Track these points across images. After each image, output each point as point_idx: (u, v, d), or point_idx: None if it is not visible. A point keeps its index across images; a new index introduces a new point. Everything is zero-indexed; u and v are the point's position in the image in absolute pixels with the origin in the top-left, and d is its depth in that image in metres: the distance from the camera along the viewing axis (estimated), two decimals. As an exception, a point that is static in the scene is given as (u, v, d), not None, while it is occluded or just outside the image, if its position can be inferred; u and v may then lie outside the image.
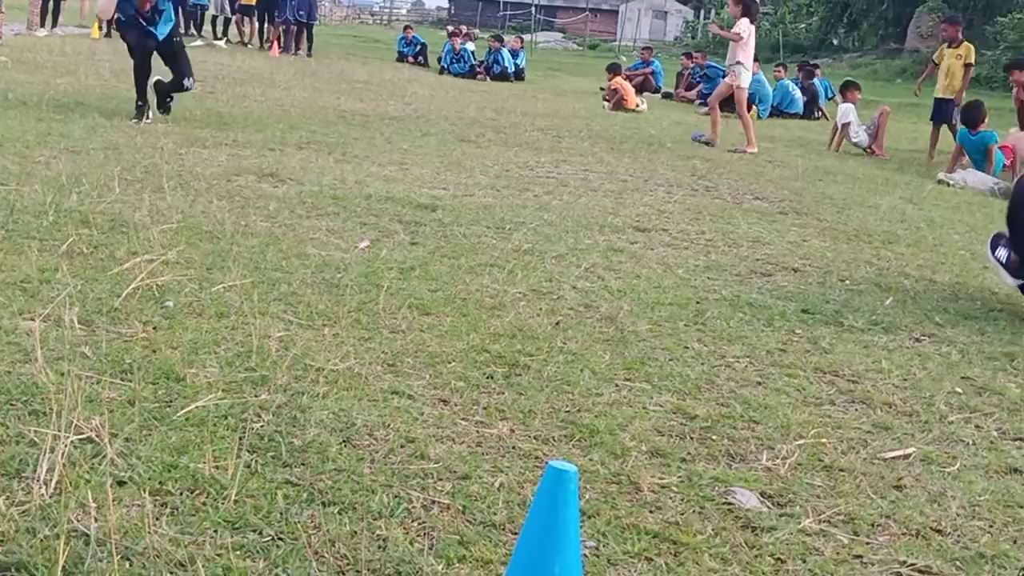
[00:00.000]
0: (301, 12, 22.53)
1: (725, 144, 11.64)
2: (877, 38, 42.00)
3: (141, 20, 8.96)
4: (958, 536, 2.63)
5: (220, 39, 23.83)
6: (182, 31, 9.71)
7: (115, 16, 9.37)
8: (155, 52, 9.21)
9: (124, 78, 12.47)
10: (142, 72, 9.13)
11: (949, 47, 13.83)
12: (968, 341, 4.44)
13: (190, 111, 9.84)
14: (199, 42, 22.18)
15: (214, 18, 24.95)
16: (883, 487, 2.87)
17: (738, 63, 11.59)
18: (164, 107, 9.41)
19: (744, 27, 11.46)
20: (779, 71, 19.96)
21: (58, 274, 4.01)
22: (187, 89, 9.44)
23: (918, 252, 6.33)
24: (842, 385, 3.71)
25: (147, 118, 8.90)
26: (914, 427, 3.37)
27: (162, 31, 9.11)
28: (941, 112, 13.60)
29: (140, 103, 9.05)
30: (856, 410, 3.48)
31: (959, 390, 3.78)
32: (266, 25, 23.92)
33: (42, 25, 20.43)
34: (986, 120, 11.97)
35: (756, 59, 19.28)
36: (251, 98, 11.97)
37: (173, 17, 9.35)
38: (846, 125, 13.49)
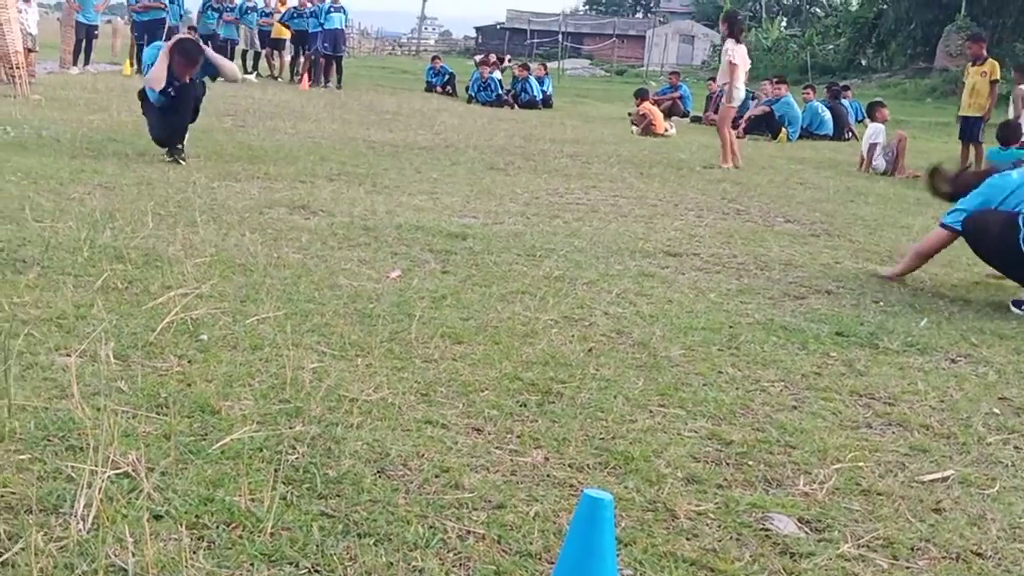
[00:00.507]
0: (326, 44, 22.71)
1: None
2: (905, 58, 41.88)
3: (170, 91, 8.57)
4: (999, 559, 2.60)
5: (251, 73, 24.07)
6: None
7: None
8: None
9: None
10: (176, 131, 8.77)
11: (974, 65, 13.84)
12: (1005, 361, 4.40)
13: (222, 145, 9.93)
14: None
15: (244, 52, 25.23)
16: (922, 510, 2.84)
17: (726, 84, 11.97)
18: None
19: (730, 48, 11.84)
20: (808, 93, 19.91)
21: (93, 309, 4.05)
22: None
23: (952, 272, 6.29)
24: (878, 408, 3.68)
25: (183, 159, 8.66)
26: (952, 449, 3.33)
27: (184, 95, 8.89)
28: (968, 130, 13.58)
29: (179, 145, 8.77)
30: (893, 433, 3.45)
31: (997, 411, 3.74)
32: (300, 58, 24.12)
33: (75, 63, 20.72)
34: (1019, 140, 11.93)
35: (784, 80, 19.40)
36: (282, 131, 12.06)
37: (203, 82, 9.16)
38: (873, 146, 13.46)
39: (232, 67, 9.90)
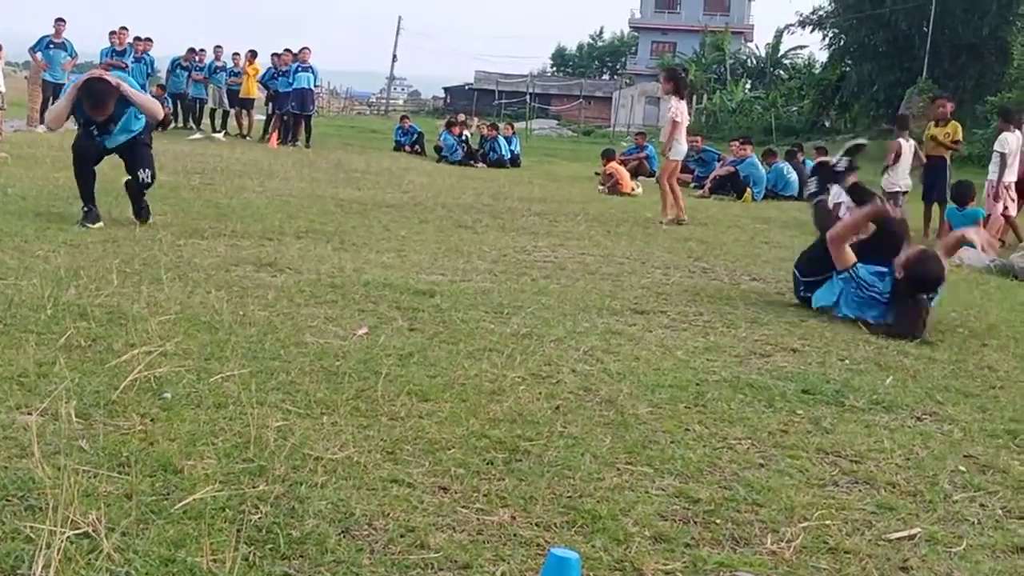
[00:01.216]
0: (294, 104, 22.77)
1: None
2: (869, 119, 42.54)
3: (92, 129, 8.28)
4: (968, 618, 2.59)
5: (219, 132, 24.10)
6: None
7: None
8: (104, 156, 8.54)
9: (123, 171, 12.56)
10: (83, 177, 8.32)
11: (936, 125, 14.12)
12: (970, 419, 4.42)
13: (188, 203, 9.91)
14: (198, 135, 22.45)
15: (212, 111, 25.26)
16: (889, 569, 2.84)
17: (673, 140, 12.52)
18: (141, 214, 8.49)
19: (674, 106, 12.41)
20: (772, 158, 20.09)
21: (56, 367, 4.00)
22: (142, 183, 8.38)
23: (917, 330, 6.32)
24: (845, 466, 3.68)
25: (96, 221, 8.07)
26: (918, 507, 3.34)
27: (115, 140, 8.38)
28: (930, 185, 13.89)
29: (86, 207, 8.18)
30: (860, 491, 3.45)
31: (963, 468, 3.75)
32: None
33: (42, 121, 20.66)
34: (975, 199, 12.17)
35: (749, 141, 19.62)
36: (250, 189, 12.05)
37: (135, 121, 8.39)
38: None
39: (152, 103, 8.67)
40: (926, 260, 6.44)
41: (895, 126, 14.33)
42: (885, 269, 6.53)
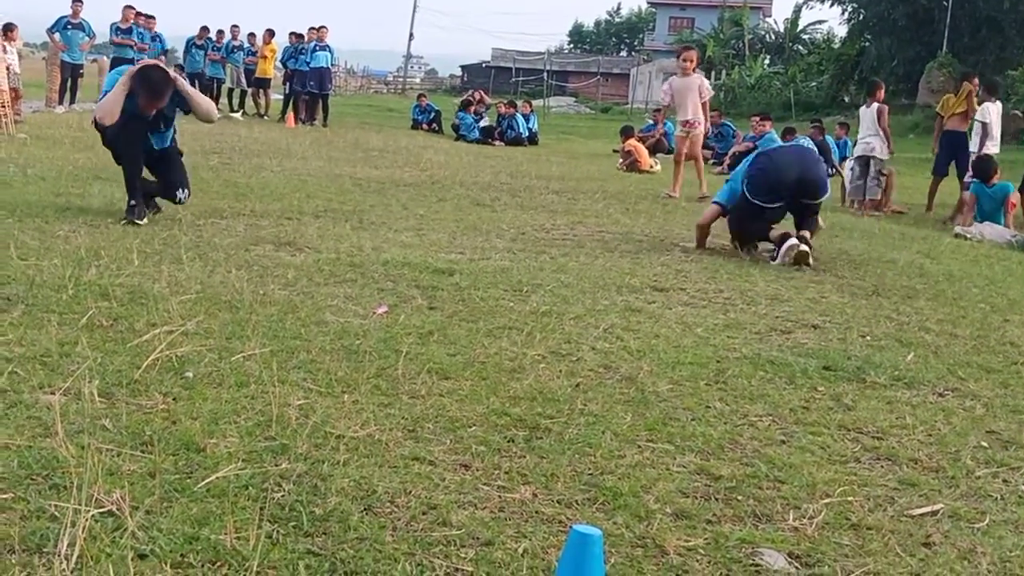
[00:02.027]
0: (312, 83, 22.78)
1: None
2: (887, 94, 42.24)
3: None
4: (991, 594, 2.59)
5: (236, 111, 24.14)
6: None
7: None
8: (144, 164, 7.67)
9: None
10: (128, 160, 7.52)
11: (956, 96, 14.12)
12: (992, 395, 4.40)
13: (207, 183, 9.92)
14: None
15: (230, 91, 25.30)
16: (912, 545, 2.83)
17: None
18: (149, 207, 7.76)
19: (705, 82, 13.12)
20: (788, 136, 19.97)
21: (78, 347, 4.02)
22: (179, 202, 7.81)
23: (938, 306, 6.30)
24: (867, 442, 3.67)
25: (143, 216, 7.38)
26: (941, 483, 3.33)
27: (162, 141, 7.71)
28: (947, 159, 13.84)
29: (132, 201, 7.42)
30: (882, 467, 3.44)
31: (985, 444, 3.74)
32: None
33: (60, 102, 20.75)
34: (998, 173, 12.05)
35: (768, 117, 19.53)
36: (268, 169, 12.07)
37: (173, 132, 7.83)
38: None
39: (208, 105, 7.90)
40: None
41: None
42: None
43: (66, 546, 2.38)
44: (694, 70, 12.80)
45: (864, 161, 13.78)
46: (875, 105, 13.65)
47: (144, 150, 7.57)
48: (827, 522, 2.93)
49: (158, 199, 7.93)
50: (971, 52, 37.96)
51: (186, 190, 7.84)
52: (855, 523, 2.94)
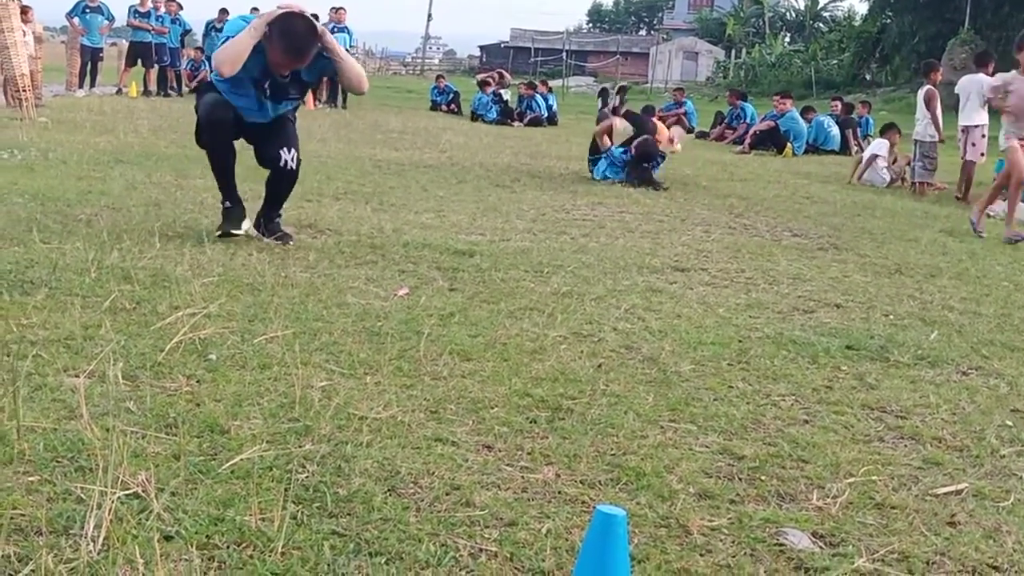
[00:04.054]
0: None
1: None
2: (910, 72, 41.85)
3: (267, 88, 5.96)
4: (1015, 572, 2.58)
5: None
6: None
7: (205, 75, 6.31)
8: (244, 134, 6.26)
9: (162, 135, 12.66)
10: (219, 155, 6.21)
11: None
12: (1016, 373, 4.38)
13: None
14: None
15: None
16: (936, 524, 2.82)
17: None
18: (272, 227, 6.28)
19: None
20: (809, 115, 19.88)
21: (101, 330, 4.04)
22: (285, 167, 6.11)
23: (961, 285, 6.27)
24: (890, 421, 3.66)
25: (242, 228, 6.22)
26: (965, 462, 3.31)
27: (277, 109, 6.14)
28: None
29: (227, 204, 6.23)
30: (906, 446, 3.43)
31: (1009, 423, 3.72)
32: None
33: (80, 86, 20.81)
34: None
35: (789, 96, 19.43)
36: (287, 151, 12.04)
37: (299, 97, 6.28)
38: (874, 156, 13.45)
39: (359, 70, 6.18)
40: (646, 144, 11.28)
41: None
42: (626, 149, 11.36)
43: (92, 528, 2.40)
44: None
45: (916, 144, 13.43)
46: (926, 87, 13.32)
47: (237, 128, 6.16)
48: (851, 502, 2.92)
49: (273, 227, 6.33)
50: (994, 28, 37.56)
51: (293, 150, 6.11)
52: (879, 502, 2.93)
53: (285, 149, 6.07)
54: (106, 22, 21.35)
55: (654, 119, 18.01)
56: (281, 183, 6.23)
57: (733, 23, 59.27)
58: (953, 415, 3.77)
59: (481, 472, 2.95)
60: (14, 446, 2.86)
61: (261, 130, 6.18)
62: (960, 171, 12.48)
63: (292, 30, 5.65)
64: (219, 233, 6.07)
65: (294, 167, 6.12)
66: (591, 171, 11.64)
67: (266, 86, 5.94)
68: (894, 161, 13.85)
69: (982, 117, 12.33)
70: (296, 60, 5.74)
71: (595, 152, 11.74)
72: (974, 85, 12.29)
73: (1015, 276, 6.69)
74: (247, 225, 6.24)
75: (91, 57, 21.10)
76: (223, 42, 5.92)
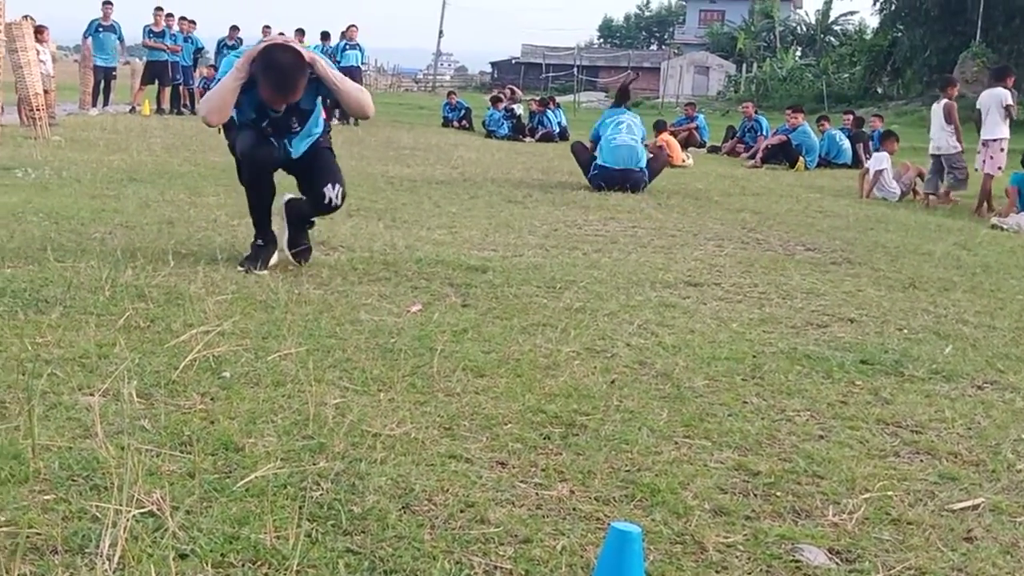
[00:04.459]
0: None
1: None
2: (922, 85, 41.86)
3: (267, 127, 5.83)
4: (1035, 589, 2.56)
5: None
6: (298, 128, 5.88)
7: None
8: (282, 167, 6.09)
9: (175, 153, 12.72)
10: (257, 192, 6.03)
11: None
12: (1033, 387, 4.36)
13: (238, 184, 9.94)
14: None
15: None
16: (953, 539, 2.80)
17: None
18: (301, 249, 6.14)
19: None
20: (824, 124, 19.92)
21: (116, 348, 4.05)
22: (330, 204, 5.95)
23: (975, 298, 6.25)
24: (906, 436, 3.65)
25: (267, 264, 5.97)
26: (981, 477, 3.30)
27: (298, 147, 5.97)
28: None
29: (260, 242, 6.03)
30: (921, 461, 3.41)
31: (1026, 437, 3.70)
32: None
33: (93, 105, 20.92)
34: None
35: (800, 110, 19.44)
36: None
37: (321, 124, 6.07)
38: (879, 172, 13.44)
39: (360, 94, 5.95)
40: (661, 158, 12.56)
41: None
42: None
43: (108, 546, 2.40)
44: None
45: (935, 159, 13.37)
46: (943, 102, 13.29)
47: (276, 162, 6.00)
48: (867, 517, 2.91)
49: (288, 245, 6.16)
50: (1005, 41, 37.58)
51: (338, 186, 5.93)
52: (895, 518, 2.92)
53: (331, 186, 5.90)
54: (119, 42, 21.48)
55: (665, 134, 18.10)
56: (321, 212, 6.13)
57: (744, 37, 59.34)
58: (969, 429, 3.75)
59: (495, 489, 2.95)
60: (29, 465, 2.86)
61: (300, 164, 6.04)
62: (980, 186, 12.45)
63: (276, 63, 5.51)
64: (242, 269, 5.80)
65: (339, 203, 5.99)
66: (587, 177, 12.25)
67: (264, 125, 5.82)
68: (905, 171, 13.82)
69: (1003, 131, 12.32)
70: (286, 94, 5.58)
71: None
72: (994, 99, 12.30)
73: (1030, 289, 6.66)
74: (274, 260, 6.05)
75: (104, 76, 21.23)
76: (215, 82, 5.88)
